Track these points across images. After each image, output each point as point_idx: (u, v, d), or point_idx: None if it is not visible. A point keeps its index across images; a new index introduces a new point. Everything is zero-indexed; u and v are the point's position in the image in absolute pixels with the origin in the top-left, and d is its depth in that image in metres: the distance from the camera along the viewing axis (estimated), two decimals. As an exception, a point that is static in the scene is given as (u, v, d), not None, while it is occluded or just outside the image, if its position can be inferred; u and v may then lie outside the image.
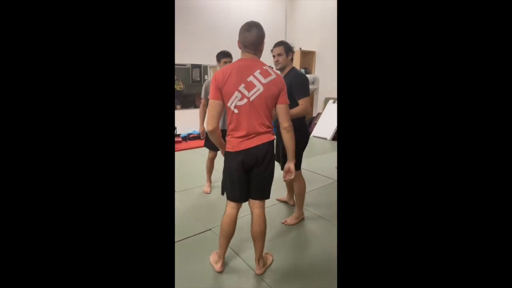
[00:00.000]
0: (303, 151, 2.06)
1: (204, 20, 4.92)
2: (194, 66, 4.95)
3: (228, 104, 1.39)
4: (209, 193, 2.73)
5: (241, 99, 1.37)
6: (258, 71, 1.38)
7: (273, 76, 1.40)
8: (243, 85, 1.36)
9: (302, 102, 1.87)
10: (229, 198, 1.55)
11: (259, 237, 1.57)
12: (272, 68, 1.44)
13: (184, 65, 4.86)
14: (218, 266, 1.65)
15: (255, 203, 1.54)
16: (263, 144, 1.44)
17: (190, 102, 5.13)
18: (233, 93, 1.36)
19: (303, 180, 2.14)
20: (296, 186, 2.14)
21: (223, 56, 2.39)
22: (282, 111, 1.44)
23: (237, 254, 1.81)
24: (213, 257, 1.73)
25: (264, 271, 1.66)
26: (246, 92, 1.37)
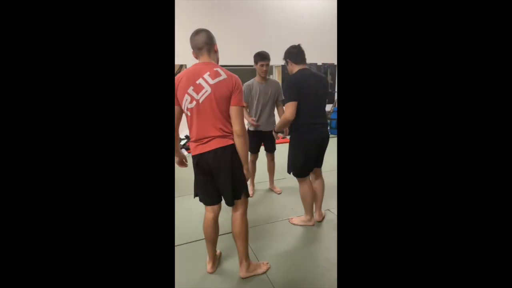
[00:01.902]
0: (304, 156, 1.95)
1: (263, 21, 5.12)
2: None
3: (183, 108, 1.42)
4: (251, 197, 2.72)
5: (191, 102, 1.38)
6: (208, 73, 1.36)
7: (223, 76, 1.36)
8: (191, 87, 1.37)
9: (286, 107, 1.86)
10: (201, 201, 1.58)
11: (237, 238, 1.58)
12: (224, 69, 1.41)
13: (251, 66, 4.98)
14: (209, 267, 1.72)
15: (233, 205, 1.55)
16: (216, 149, 1.40)
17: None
18: (183, 96, 1.39)
19: (308, 186, 2.06)
20: (300, 192, 2.12)
21: (260, 58, 2.32)
22: (232, 113, 1.39)
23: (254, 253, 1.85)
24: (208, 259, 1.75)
25: (249, 277, 1.64)
26: (195, 95, 1.37)
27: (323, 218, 2.28)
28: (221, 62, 1.51)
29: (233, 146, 1.43)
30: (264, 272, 1.69)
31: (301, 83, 1.85)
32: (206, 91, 1.36)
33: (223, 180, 1.45)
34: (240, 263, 1.64)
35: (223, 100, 1.37)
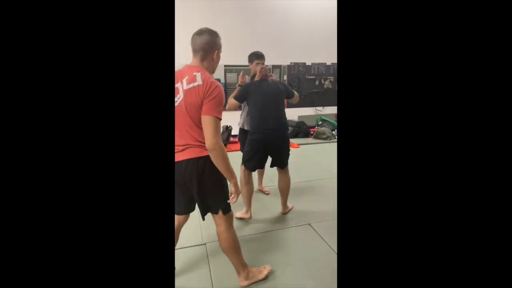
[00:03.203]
0: (249, 151, 2.17)
1: (288, 21, 5.16)
2: (275, 66, 5.38)
3: None
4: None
5: None
6: (186, 77, 1.27)
7: (197, 83, 1.24)
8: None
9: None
10: None
11: (227, 252, 1.53)
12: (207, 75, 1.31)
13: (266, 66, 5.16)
14: None
15: (214, 218, 1.46)
16: (188, 160, 1.29)
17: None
18: None
19: (246, 181, 2.23)
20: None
21: (256, 57, 2.30)
22: (202, 123, 1.24)
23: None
24: None
25: (250, 285, 1.59)
26: (174, 98, 1.29)
27: (289, 210, 2.46)
28: (230, 62, 1.43)
29: (207, 157, 1.29)
30: (266, 277, 1.64)
31: (249, 87, 2.19)
32: (180, 96, 1.28)
33: (194, 192, 1.36)
34: (238, 274, 1.59)
35: (193, 108, 1.25)
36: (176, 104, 1.28)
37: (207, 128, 1.23)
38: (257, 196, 2.78)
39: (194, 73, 1.27)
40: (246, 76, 2.43)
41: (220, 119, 1.26)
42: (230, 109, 2.25)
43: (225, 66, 4.88)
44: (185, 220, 1.58)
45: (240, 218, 2.29)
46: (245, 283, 1.59)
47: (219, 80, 4.96)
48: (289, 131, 2.35)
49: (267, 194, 2.85)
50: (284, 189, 2.36)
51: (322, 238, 2.06)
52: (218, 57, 1.37)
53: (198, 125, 1.28)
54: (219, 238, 1.50)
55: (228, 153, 1.34)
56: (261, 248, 1.98)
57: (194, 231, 2.16)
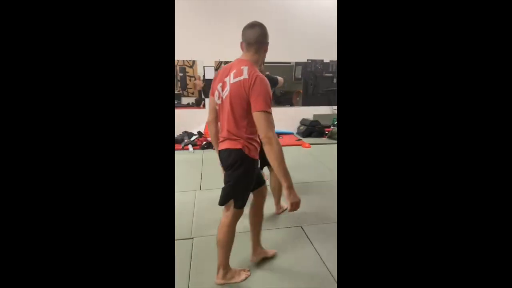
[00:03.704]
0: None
1: (304, 18, 5.07)
2: (298, 64, 5.29)
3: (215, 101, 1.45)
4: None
5: (218, 98, 1.40)
6: (234, 71, 1.31)
7: (243, 77, 1.26)
8: (220, 84, 1.37)
9: None
10: None
11: (218, 244, 1.54)
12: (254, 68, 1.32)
13: (289, 63, 5.21)
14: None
15: (224, 208, 1.51)
16: (225, 150, 1.40)
17: (287, 100, 5.39)
18: (214, 92, 1.41)
19: None
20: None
21: None
22: (255, 120, 1.24)
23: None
24: None
25: (224, 284, 1.58)
26: (221, 92, 1.37)
27: (283, 211, 2.37)
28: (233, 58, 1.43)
29: (239, 151, 1.35)
30: (243, 280, 1.62)
31: None
32: (227, 90, 1.33)
33: (225, 180, 1.47)
34: (218, 269, 1.60)
35: (237, 101, 1.29)
36: (224, 96, 1.36)
37: (259, 123, 1.23)
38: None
39: (241, 67, 1.30)
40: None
41: (270, 113, 1.24)
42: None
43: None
44: (233, 214, 1.56)
45: None
46: (221, 281, 1.59)
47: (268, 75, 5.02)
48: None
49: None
50: (276, 189, 2.32)
51: (310, 242, 2.00)
52: (267, 49, 1.41)
53: (237, 118, 1.33)
54: (220, 229, 1.52)
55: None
56: (245, 247, 1.95)
57: (186, 224, 2.19)
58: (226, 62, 4.62)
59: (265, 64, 2.02)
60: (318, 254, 1.87)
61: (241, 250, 1.81)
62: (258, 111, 1.22)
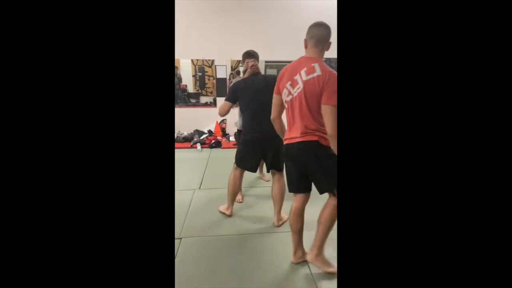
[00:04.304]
0: (242, 149, 2.13)
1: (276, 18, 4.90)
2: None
3: (283, 99, 1.50)
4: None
5: (288, 95, 1.45)
6: (305, 68, 1.36)
7: (317, 73, 1.32)
8: (289, 82, 1.42)
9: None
10: None
11: (320, 223, 1.55)
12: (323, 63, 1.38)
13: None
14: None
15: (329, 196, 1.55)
16: (299, 142, 1.42)
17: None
18: (283, 90, 1.47)
19: (233, 177, 2.19)
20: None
21: (247, 56, 2.26)
22: (323, 112, 1.33)
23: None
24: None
25: (319, 267, 1.62)
26: (291, 89, 1.42)
27: (283, 223, 2.15)
28: (270, 58, 1.46)
29: (315, 143, 1.41)
30: (332, 272, 1.58)
31: (236, 85, 2.08)
32: (299, 87, 1.38)
33: (309, 173, 1.51)
34: (312, 247, 1.59)
35: (313, 97, 1.35)
36: (295, 94, 1.40)
37: (327, 116, 1.31)
38: (255, 194, 2.71)
39: (312, 64, 1.35)
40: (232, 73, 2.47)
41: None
42: (222, 114, 2.12)
43: (265, 62, 4.73)
44: (304, 201, 1.63)
45: (222, 212, 2.29)
46: (313, 261, 1.60)
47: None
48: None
49: (267, 181, 2.92)
50: (278, 196, 2.10)
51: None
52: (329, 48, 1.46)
53: (313, 113, 1.38)
54: (324, 212, 1.54)
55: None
56: (237, 250, 1.86)
57: (177, 225, 2.11)
58: (238, 61, 4.61)
59: (268, 63, 2.03)
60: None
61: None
62: (327, 104, 1.30)
